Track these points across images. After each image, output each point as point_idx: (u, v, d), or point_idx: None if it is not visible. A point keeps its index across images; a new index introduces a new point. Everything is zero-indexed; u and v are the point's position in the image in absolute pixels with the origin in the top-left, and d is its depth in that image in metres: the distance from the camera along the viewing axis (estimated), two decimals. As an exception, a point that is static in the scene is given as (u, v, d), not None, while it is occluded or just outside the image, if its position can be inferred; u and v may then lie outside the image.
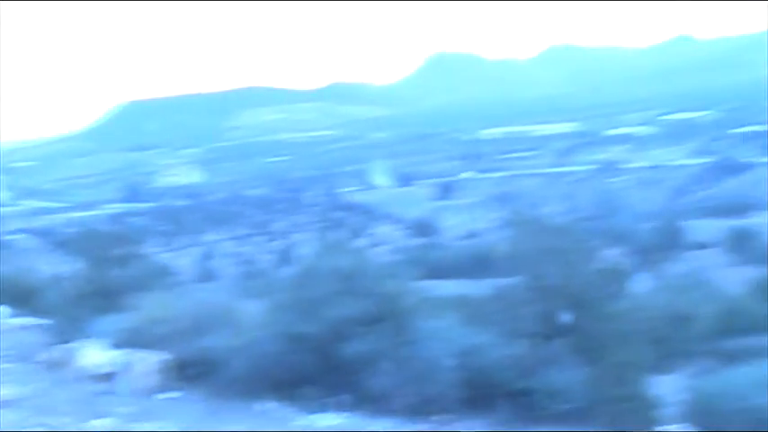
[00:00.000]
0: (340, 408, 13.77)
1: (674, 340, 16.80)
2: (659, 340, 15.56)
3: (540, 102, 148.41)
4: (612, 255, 17.52)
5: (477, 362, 13.94)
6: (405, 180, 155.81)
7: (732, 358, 14.83)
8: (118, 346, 15.95)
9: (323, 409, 13.72)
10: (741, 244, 31.19)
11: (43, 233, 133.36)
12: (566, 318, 14.58)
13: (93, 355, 15.74)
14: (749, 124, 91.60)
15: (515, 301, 14.85)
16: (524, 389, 13.69)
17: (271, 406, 13.97)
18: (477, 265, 27.13)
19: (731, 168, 57.42)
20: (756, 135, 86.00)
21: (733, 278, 21.72)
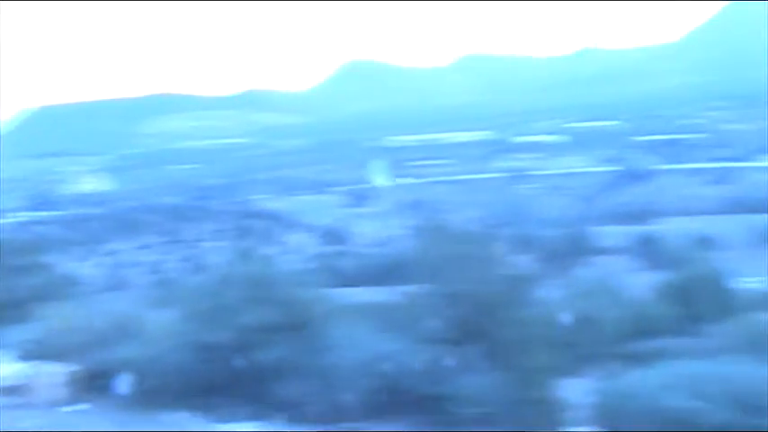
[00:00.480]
0: (251, 417, 13.68)
1: (582, 344, 17.03)
2: (568, 344, 15.78)
3: (453, 110, 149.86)
4: (522, 261, 17.72)
5: (389, 368, 13.97)
6: (317, 187, 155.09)
7: (638, 360, 15.10)
8: (24, 358, 15.63)
9: (234, 418, 13.62)
10: (645, 249, 31.90)
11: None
12: (476, 323, 14.70)
13: (-2, 367, 15.40)
14: (654, 133, 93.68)
15: (426, 308, 14.92)
16: (435, 394, 13.75)
17: (181, 416, 13.81)
18: (389, 272, 27.12)
19: (637, 176, 58.86)
20: (661, 144, 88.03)
21: (638, 282, 22.15)
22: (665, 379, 13.35)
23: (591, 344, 16.98)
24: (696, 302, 19.28)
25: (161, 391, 14.02)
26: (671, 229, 35.44)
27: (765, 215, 38.01)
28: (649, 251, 31.02)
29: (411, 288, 15.98)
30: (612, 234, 34.39)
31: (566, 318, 16.35)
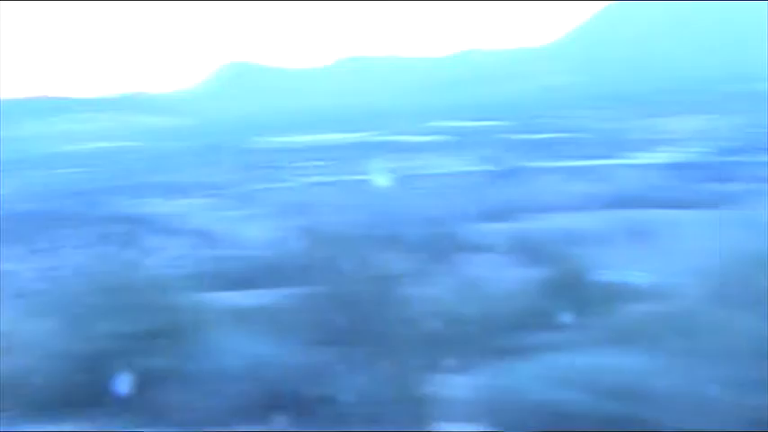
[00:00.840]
0: (127, 425, 13.50)
1: (460, 341, 17.31)
2: (446, 341, 16.00)
3: (333, 111, 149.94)
4: (399, 260, 17.91)
5: (268, 372, 13.96)
6: (199, 190, 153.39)
7: (516, 355, 15.40)
8: None
9: (109, 426, 13.42)
10: (521, 246, 32.55)
11: None
12: (354, 324, 14.80)
13: None
14: (534, 132, 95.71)
15: (306, 311, 14.98)
16: (314, 396, 13.81)
17: (52, 428, 13.55)
18: (270, 275, 27.00)
19: (515, 175, 59.83)
20: (540, 143, 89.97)
21: (514, 278, 22.59)
22: (543, 372, 13.67)
23: (469, 340, 17.26)
24: (570, 296, 19.78)
25: (30, 403, 13.71)
26: (547, 225, 36.23)
27: (638, 210, 39.33)
28: (525, 247, 31.61)
29: (291, 291, 16.00)
30: (490, 232, 34.94)
31: (444, 315, 16.60)
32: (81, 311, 14.13)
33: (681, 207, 38.06)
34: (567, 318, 17.61)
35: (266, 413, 13.91)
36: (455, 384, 14.62)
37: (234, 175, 72.43)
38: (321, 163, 75.56)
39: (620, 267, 22.22)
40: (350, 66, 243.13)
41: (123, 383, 13.74)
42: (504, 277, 22.73)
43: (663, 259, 18.50)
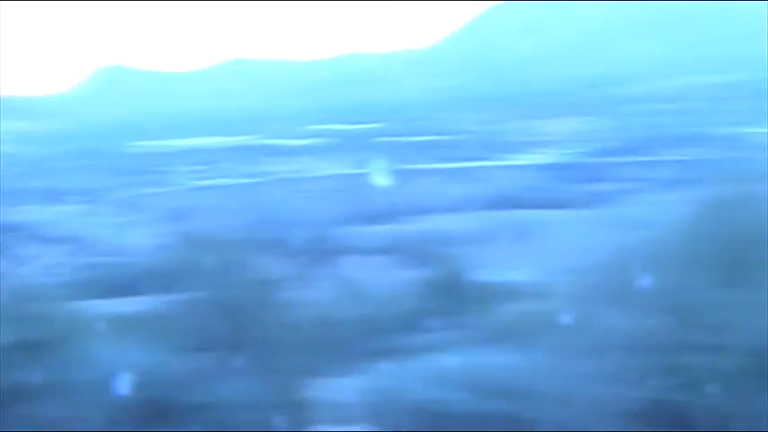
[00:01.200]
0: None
1: (340, 343, 17.31)
2: (326, 344, 15.98)
3: (213, 114, 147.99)
4: (278, 265, 17.82)
5: (144, 379, 13.72)
6: (71, 197, 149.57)
7: (397, 356, 15.48)
8: None
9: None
10: (401, 247, 32.78)
11: None
12: (233, 330, 14.66)
13: None
14: (415, 135, 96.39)
15: (183, 317, 14.79)
16: (194, 402, 13.63)
17: None
18: (145, 282, 26.53)
19: (396, 176, 60.10)
20: (421, 145, 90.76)
21: (393, 280, 22.72)
22: (423, 372, 13.77)
23: (349, 343, 17.28)
24: (449, 297, 20.00)
25: None
26: (427, 227, 36.53)
27: (516, 211, 40.02)
28: (405, 249, 31.79)
29: (171, 297, 15.77)
30: (370, 234, 35.12)
31: (324, 318, 16.57)
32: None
33: (557, 207, 38.88)
34: (446, 318, 17.80)
35: (144, 422, 13.67)
36: (336, 387, 14.63)
37: (111, 180, 70.96)
38: (200, 167, 74.53)
39: (499, 267, 22.59)
40: (230, 69, 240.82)
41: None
42: (384, 279, 22.86)
43: (539, 258, 18.86)
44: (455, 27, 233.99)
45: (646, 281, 12.65)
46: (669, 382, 11.89)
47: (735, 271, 12.33)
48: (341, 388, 14.61)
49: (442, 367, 13.79)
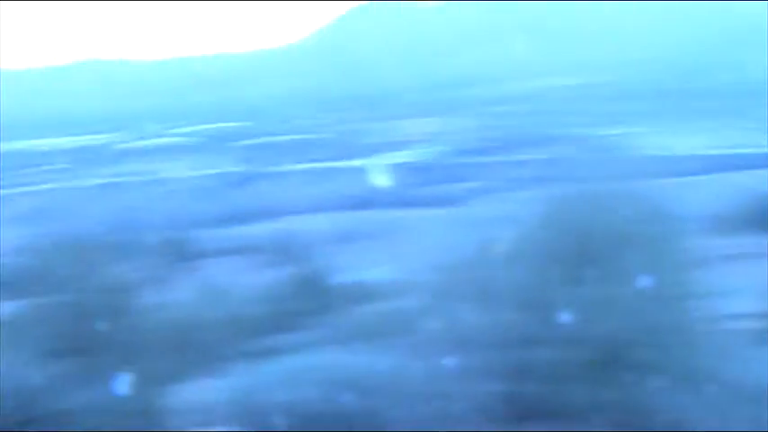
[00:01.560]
0: None
1: (203, 346, 17.17)
2: (190, 347, 15.84)
3: (72, 114, 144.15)
4: (138, 268, 17.55)
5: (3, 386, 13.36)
6: None
7: (262, 357, 15.46)
8: None
9: None
10: (263, 248, 32.67)
11: None
12: (92, 335, 14.41)
13: None
14: (277, 135, 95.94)
15: (37, 323, 14.43)
16: (49, 410, 13.34)
17: None
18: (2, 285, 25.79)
19: (256, 177, 59.72)
20: (283, 145, 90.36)
21: (256, 281, 22.66)
22: (286, 373, 13.81)
23: (211, 345, 17.15)
24: (312, 297, 20.06)
25: None
26: (290, 227, 36.48)
27: (378, 211, 40.38)
28: (268, 250, 31.70)
29: (23, 302, 15.39)
30: (227, 236, 34.88)
31: (184, 321, 16.42)
32: None
33: (417, 206, 39.37)
34: (309, 318, 17.87)
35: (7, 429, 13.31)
36: (197, 390, 14.52)
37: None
38: (57, 168, 72.60)
39: (360, 267, 22.76)
40: (86, 67, 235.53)
41: None
42: (246, 281, 22.76)
43: (400, 257, 19.10)
44: (317, 27, 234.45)
45: (502, 277, 12.99)
46: (524, 376, 12.24)
47: (586, 267, 12.77)
48: (202, 391, 14.50)
49: (305, 367, 13.86)
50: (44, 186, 64.10)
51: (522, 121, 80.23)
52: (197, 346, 15.78)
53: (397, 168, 54.56)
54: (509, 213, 14.59)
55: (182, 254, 26.57)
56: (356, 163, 61.02)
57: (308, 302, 18.89)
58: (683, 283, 12.93)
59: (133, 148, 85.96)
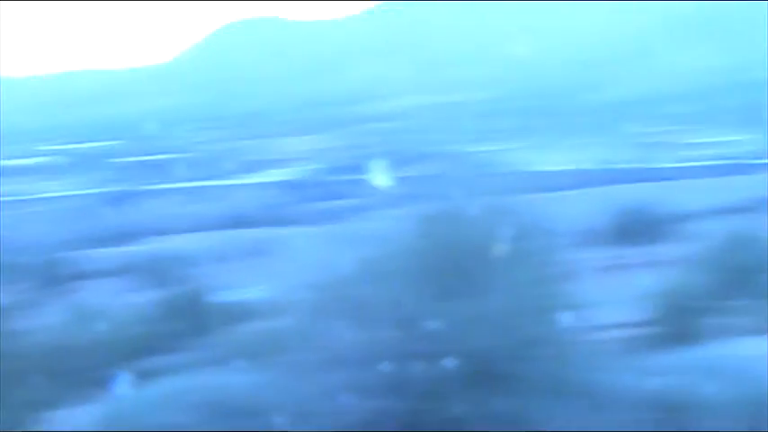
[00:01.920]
0: None
1: (76, 371, 16.78)
2: (63, 373, 15.50)
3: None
4: (7, 292, 17.07)
5: None
6: None
7: (139, 380, 15.21)
8: None
9: None
10: (136, 270, 32.21)
11: None
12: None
13: None
14: (145, 154, 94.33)
15: None
16: None
17: None
18: None
19: (126, 197, 58.72)
20: (151, 164, 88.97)
21: (131, 303, 22.28)
22: (162, 396, 13.64)
23: (84, 370, 16.80)
24: (188, 318, 19.84)
25: None
26: (163, 248, 36.00)
27: (253, 229, 40.20)
28: (141, 271, 31.25)
29: None
30: (102, 257, 34.25)
31: (55, 346, 16.05)
32: None
33: (293, 224, 39.39)
34: (185, 339, 17.72)
35: None
36: (70, 416, 14.23)
37: None
38: None
39: (237, 286, 22.66)
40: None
41: None
42: (121, 303, 22.42)
43: (276, 276, 19.08)
44: (190, 44, 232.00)
45: (377, 294, 13.12)
46: (400, 391, 12.40)
47: (459, 282, 13.01)
48: (75, 417, 14.21)
49: (181, 389, 13.71)
50: None
51: (396, 138, 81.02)
52: (70, 372, 15.45)
53: (273, 186, 54.45)
54: (383, 230, 14.73)
55: (55, 276, 25.99)
56: (232, 181, 60.63)
57: (185, 323, 18.73)
58: (554, 296, 13.29)
59: (2, 168, 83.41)
